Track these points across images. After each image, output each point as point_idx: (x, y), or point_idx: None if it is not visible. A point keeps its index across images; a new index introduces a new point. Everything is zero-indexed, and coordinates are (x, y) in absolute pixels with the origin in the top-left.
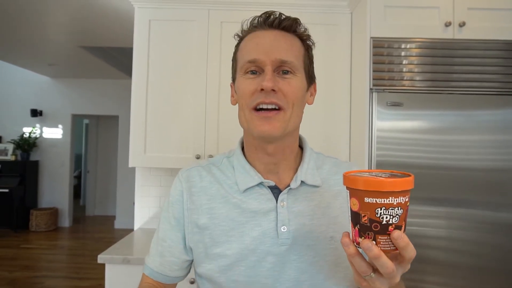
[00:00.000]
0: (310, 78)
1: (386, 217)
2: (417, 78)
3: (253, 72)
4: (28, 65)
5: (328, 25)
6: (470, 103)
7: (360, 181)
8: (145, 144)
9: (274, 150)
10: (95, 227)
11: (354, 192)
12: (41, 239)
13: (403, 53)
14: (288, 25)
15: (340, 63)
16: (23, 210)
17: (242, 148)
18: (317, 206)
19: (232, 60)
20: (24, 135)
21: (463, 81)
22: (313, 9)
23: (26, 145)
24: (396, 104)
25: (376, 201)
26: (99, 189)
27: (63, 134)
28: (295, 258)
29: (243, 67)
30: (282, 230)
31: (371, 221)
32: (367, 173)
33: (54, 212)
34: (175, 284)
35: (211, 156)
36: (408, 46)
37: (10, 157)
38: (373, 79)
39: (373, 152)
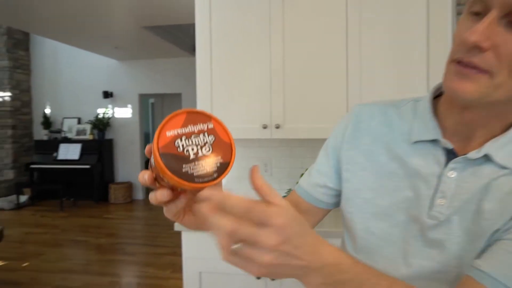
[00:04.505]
0: None
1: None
2: None
3: (475, 13)
4: (95, 49)
5: None
6: None
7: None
8: None
9: (471, 119)
10: None
11: None
12: (119, 210)
13: None
14: None
15: None
16: (102, 184)
17: (438, 96)
18: (498, 190)
19: None
20: (99, 116)
21: None
22: None
23: (101, 125)
24: None
25: None
26: None
27: (132, 114)
28: (444, 237)
29: (467, 2)
30: (439, 202)
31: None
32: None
33: (129, 186)
34: (321, 211)
35: (278, 126)
36: None
37: (88, 136)
38: None
39: None
